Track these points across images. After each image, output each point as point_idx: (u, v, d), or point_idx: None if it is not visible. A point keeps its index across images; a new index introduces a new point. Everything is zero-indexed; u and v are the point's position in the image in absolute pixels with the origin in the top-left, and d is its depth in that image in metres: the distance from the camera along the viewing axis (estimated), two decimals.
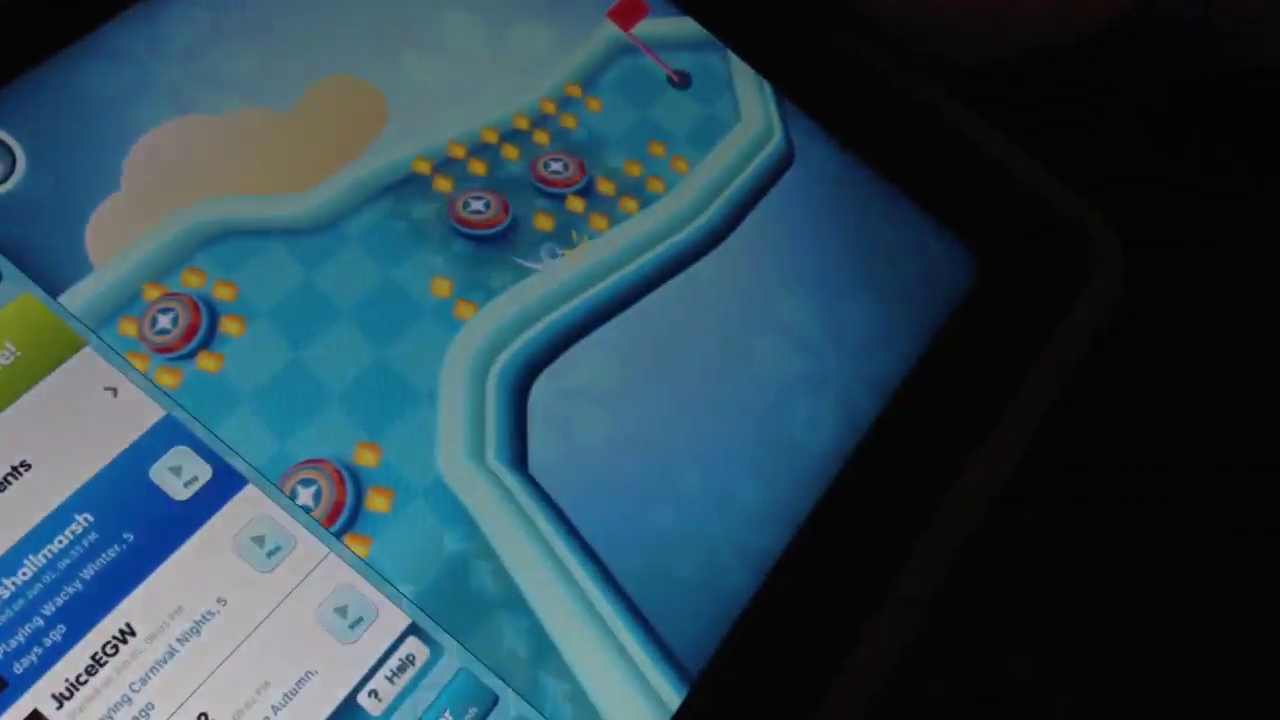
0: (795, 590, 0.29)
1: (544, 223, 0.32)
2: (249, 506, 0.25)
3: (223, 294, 0.27)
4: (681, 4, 0.37)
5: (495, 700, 0.25)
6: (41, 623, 0.23)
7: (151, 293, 0.27)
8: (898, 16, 0.39)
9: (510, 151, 0.32)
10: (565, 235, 0.32)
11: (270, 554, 0.25)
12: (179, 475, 0.25)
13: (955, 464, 0.32)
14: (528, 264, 0.31)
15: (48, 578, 0.23)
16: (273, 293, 0.28)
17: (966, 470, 0.32)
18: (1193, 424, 0.41)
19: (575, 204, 0.32)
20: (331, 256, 0.29)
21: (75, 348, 0.25)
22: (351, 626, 0.25)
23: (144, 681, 0.23)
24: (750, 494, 0.30)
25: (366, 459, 0.27)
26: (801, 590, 0.29)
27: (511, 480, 0.28)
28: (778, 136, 0.36)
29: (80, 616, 0.23)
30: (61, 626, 0.23)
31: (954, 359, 0.34)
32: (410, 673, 0.25)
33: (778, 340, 0.32)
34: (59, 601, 0.23)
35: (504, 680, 0.25)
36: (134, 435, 0.25)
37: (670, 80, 0.35)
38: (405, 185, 0.31)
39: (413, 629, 0.25)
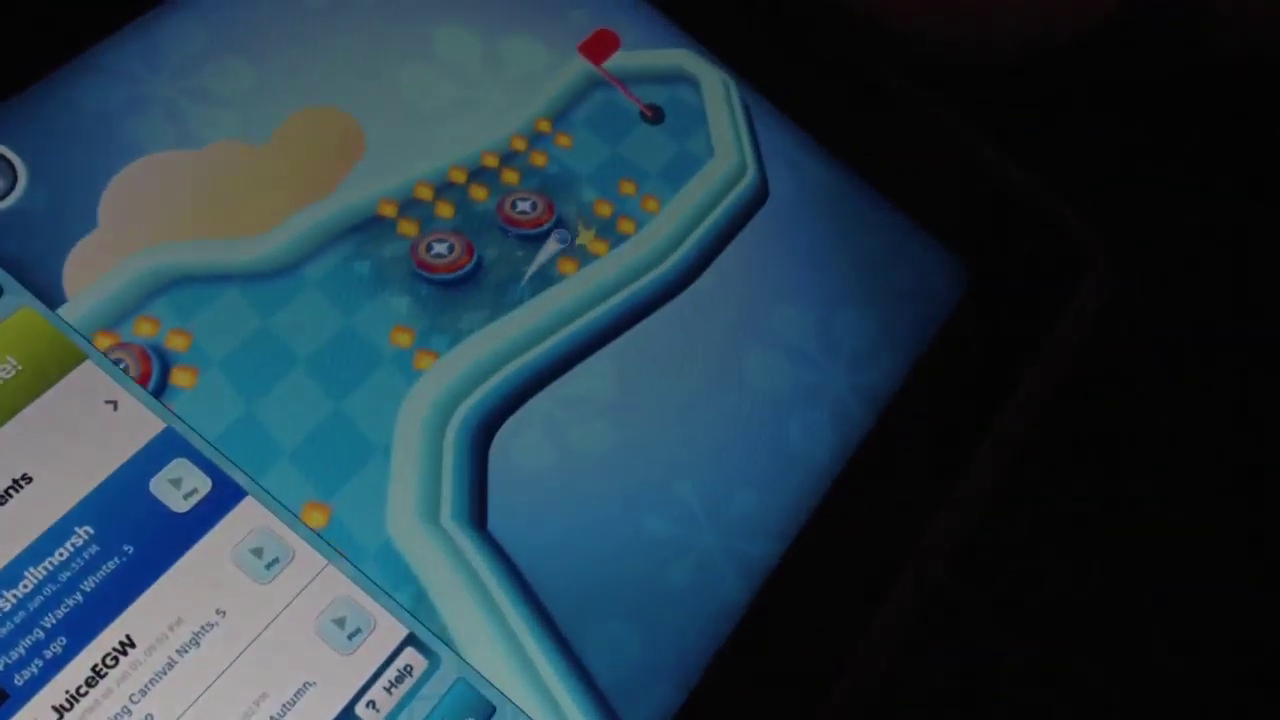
0: (781, 611, 0.29)
1: (510, 265, 0.31)
2: (248, 518, 0.25)
3: (176, 343, 0.27)
4: (668, 10, 0.36)
5: (492, 711, 0.25)
6: (42, 635, 0.23)
7: (103, 342, 0.26)
8: (897, 17, 0.39)
9: (479, 192, 0.32)
10: (532, 276, 0.31)
11: (269, 565, 0.25)
12: (179, 487, 0.25)
13: (952, 469, 0.32)
14: (491, 309, 0.30)
15: (48, 590, 0.23)
16: (227, 341, 0.27)
17: (964, 475, 0.32)
18: (1192, 423, 0.41)
19: (541, 245, 0.31)
20: (289, 302, 0.28)
21: (76, 361, 0.25)
22: (350, 637, 0.25)
23: (144, 693, 0.23)
24: (743, 513, 0.30)
25: (315, 520, 0.26)
26: (790, 608, 0.29)
27: (465, 541, 0.27)
28: (751, 172, 0.35)
29: (80, 628, 0.23)
30: (62, 638, 0.23)
31: (949, 365, 0.34)
32: (408, 683, 0.25)
33: (770, 357, 0.32)
34: (59, 614, 0.23)
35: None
36: (134, 448, 0.25)
37: (643, 115, 0.35)
38: (368, 228, 0.30)
39: (410, 639, 0.25)
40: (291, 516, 0.26)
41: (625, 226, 0.33)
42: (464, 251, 0.31)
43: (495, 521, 0.28)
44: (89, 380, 0.25)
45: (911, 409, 0.33)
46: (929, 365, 0.34)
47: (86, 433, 0.25)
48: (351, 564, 0.26)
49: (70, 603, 0.23)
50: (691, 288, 0.32)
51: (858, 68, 0.37)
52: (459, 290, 0.30)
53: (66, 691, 0.23)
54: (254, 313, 0.28)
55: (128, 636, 0.23)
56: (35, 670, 0.23)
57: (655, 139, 0.35)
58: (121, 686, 0.23)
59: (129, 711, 0.23)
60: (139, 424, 0.25)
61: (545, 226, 0.32)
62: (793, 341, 0.32)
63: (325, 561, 0.25)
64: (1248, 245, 0.44)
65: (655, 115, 0.35)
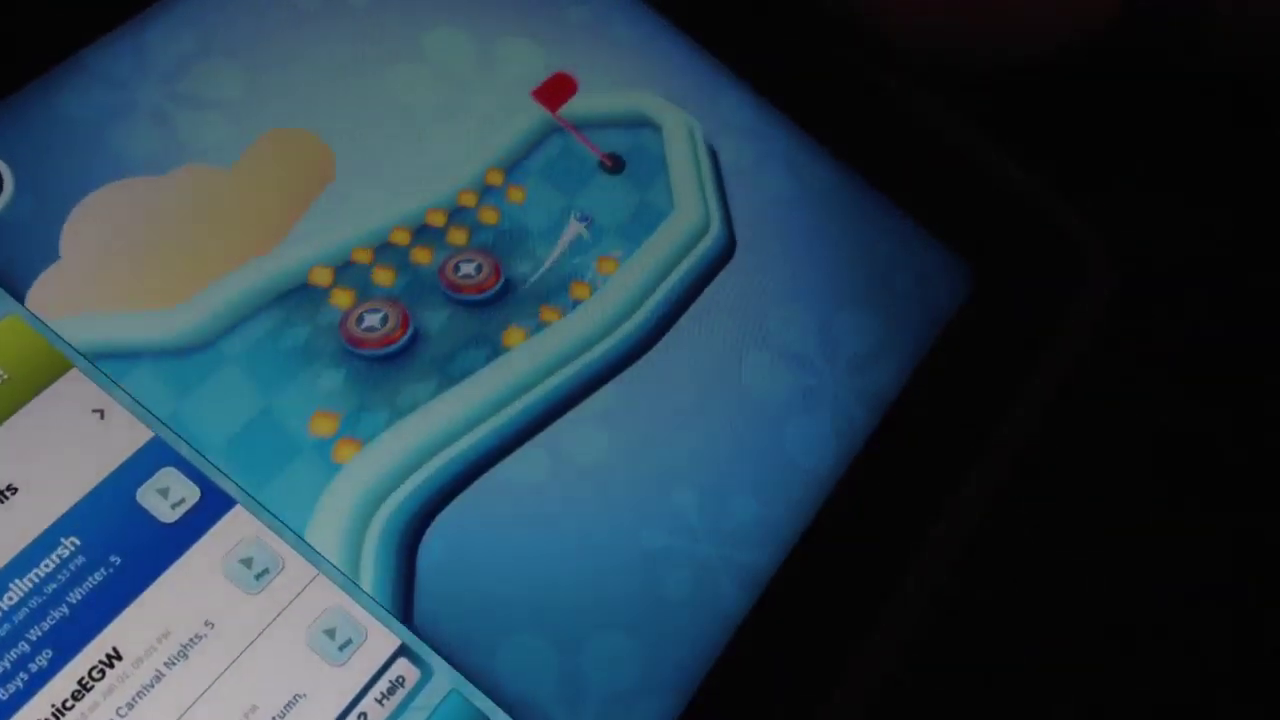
0: (781, 612, 0.29)
1: (450, 337, 0.28)
2: (237, 528, 0.25)
3: None
4: (665, 10, 0.35)
5: None
6: (28, 647, 0.23)
7: None
8: (898, 18, 0.39)
9: (421, 255, 0.29)
10: (475, 349, 0.29)
11: (259, 576, 0.25)
12: (166, 497, 0.25)
13: (954, 473, 0.32)
14: (429, 387, 0.28)
15: (34, 602, 0.23)
16: None
17: (965, 475, 0.32)
18: (1192, 423, 0.41)
19: (487, 313, 0.29)
20: (203, 383, 0.26)
21: (62, 370, 0.25)
22: (341, 648, 0.25)
23: (131, 706, 0.23)
24: (743, 520, 0.30)
25: None
26: (791, 609, 0.29)
27: None
28: (715, 227, 0.32)
29: (67, 641, 0.23)
30: (48, 651, 0.23)
31: (951, 369, 0.34)
32: (400, 695, 0.25)
33: (771, 363, 0.32)
34: (46, 626, 0.23)
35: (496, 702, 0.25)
36: (121, 457, 0.25)
37: (601, 164, 0.32)
38: (296, 295, 0.27)
39: (403, 650, 0.25)
40: (282, 526, 0.25)
41: (579, 291, 0.30)
42: (398, 323, 0.28)
43: (423, 615, 0.26)
44: (76, 388, 0.25)
45: (913, 410, 0.33)
46: (931, 366, 0.33)
47: (73, 442, 0.24)
48: (342, 574, 0.25)
49: (56, 615, 0.23)
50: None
51: (858, 68, 0.37)
52: (392, 366, 0.27)
53: (53, 705, 0.22)
54: (166, 395, 0.25)
55: (115, 649, 0.23)
56: (21, 683, 0.22)
57: (614, 190, 0.32)
58: (109, 700, 0.23)
59: None
60: (127, 433, 0.25)
61: (490, 291, 0.29)
62: (794, 346, 0.32)
63: (315, 571, 0.25)
64: (1247, 246, 0.44)
65: (615, 164, 0.32)
